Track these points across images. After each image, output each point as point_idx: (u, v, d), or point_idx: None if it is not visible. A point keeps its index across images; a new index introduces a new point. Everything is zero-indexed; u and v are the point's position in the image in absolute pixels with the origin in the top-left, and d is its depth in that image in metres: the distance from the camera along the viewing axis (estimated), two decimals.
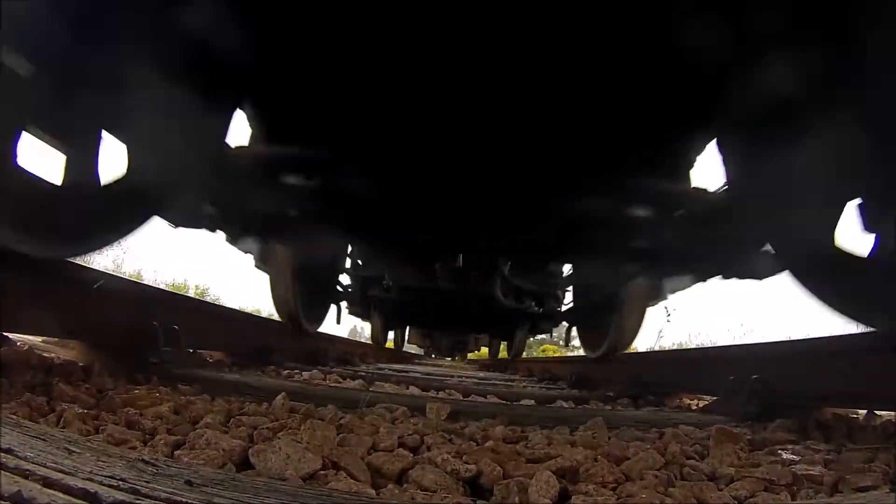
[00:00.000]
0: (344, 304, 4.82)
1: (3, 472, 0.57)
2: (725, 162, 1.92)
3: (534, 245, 2.84)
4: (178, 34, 1.47)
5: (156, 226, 1.92)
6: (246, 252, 2.72)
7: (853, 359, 1.53)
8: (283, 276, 3.21)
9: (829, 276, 1.65)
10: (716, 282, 2.25)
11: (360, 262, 4.60)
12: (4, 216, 1.32)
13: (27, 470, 0.58)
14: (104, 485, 0.59)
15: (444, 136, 1.83)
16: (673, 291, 2.63)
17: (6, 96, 1.24)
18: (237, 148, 2.00)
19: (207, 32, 1.49)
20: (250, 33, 1.54)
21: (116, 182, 1.65)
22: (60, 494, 0.55)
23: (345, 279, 4.66)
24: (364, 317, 6.00)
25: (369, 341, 7.09)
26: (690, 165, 2.07)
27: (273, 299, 3.30)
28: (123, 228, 1.74)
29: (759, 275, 2.03)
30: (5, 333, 1.49)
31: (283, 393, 1.40)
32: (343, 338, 6.03)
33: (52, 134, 1.43)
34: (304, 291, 3.46)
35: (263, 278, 3.18)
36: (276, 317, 3.57)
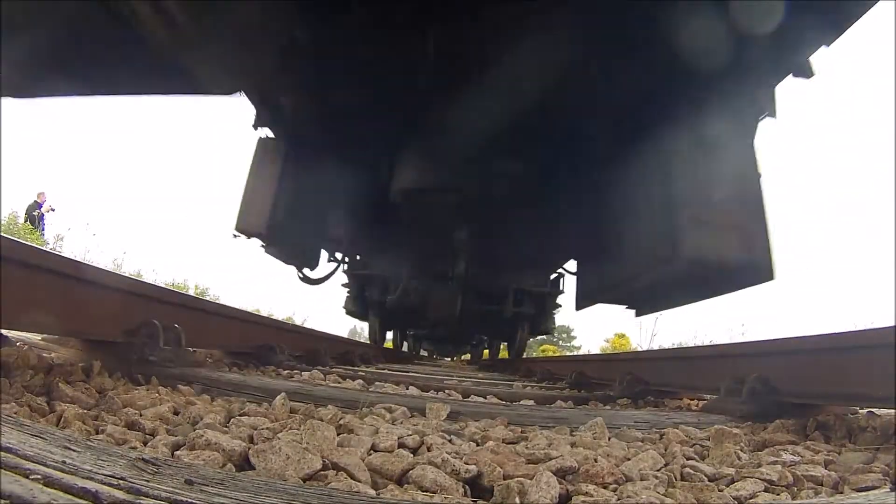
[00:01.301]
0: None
1: (3, 471, 0.56)
2: None
3: None
4: None
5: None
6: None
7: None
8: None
9: None
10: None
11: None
12: None
13: (27, 469, 0.58)
14: (104, 484, 0.59)
15: None
16: None
17: None
18: None
19: None
20: None
21: None
22: (61, 493, 0.55)
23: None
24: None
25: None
26: None
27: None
28: None
29: None
30: (5, 333, 1.49)
31: (282, 393, 1.40)
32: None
33: None
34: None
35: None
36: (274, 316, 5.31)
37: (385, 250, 4.88)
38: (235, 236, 2.69)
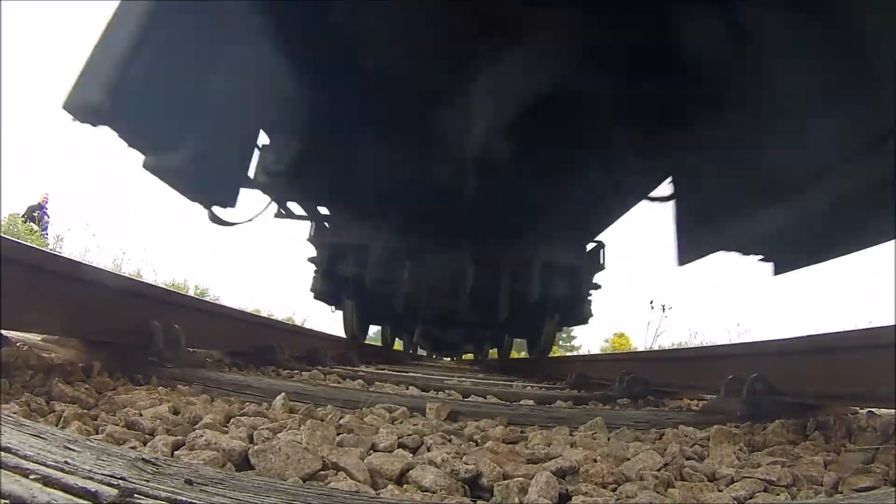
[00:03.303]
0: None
1: (3, 471, 0.57)
2: None
3: None
4: None
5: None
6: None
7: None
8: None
9: None
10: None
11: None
12: None
13: (27, 469, 0.58)
14: (104, 483, 0.59)
15: None
16: None
17: None
18: None
19: None
20: None
21: None
22: (60, 493, 0.55)
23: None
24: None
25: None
26: None
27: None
28: None
29: None
30: (5, 333, 1.49)
31: (282, 393, 1.40)
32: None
33: None
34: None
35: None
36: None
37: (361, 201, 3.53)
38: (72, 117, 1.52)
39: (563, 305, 4.61)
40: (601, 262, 4.47)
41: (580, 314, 4.70)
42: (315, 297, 4.87)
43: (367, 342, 6.48)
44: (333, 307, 5.49)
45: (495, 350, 8.88)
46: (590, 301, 4.71)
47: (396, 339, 9.06)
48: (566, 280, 4.35)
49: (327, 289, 4.63)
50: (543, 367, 4.63)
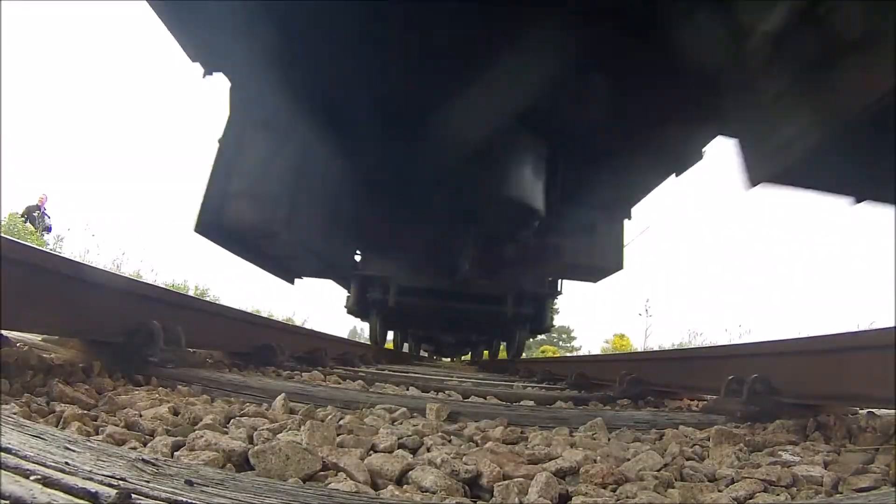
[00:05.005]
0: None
1: (3, 471, 0.57)
2: None
3: None
4: None
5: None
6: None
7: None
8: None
9: None
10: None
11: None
12: None
13: (27, 469, 0.58)
14: (104, 484, 0.59)
15: None
16: None
17: None
18: None
19: None
20: None
21: None
22: (60, 494, 0.55)
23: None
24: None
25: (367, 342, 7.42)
26: None
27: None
28: None
29: None
30: (5, 333, 1.49)
31: (283, 394, 1.40)
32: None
33: None
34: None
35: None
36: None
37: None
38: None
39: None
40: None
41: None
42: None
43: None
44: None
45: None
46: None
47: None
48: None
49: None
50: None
